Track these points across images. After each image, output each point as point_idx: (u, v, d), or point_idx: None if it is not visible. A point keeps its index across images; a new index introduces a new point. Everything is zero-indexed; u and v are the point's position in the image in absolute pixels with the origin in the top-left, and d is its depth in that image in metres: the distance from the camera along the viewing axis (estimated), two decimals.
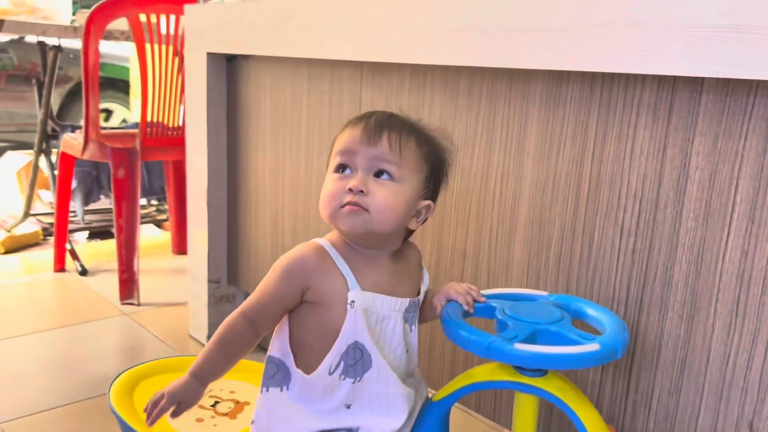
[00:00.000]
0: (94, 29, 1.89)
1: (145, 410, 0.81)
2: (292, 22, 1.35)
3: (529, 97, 1.03)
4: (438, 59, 1.07)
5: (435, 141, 0.87)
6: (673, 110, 0.87)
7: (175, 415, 0.81)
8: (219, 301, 1.78)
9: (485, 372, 0.87)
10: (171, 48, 2.08)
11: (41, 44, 2.43)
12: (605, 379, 0.99)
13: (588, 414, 0.81)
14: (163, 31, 2.02)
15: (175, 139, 2.15)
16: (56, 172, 2.33)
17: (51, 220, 2.54)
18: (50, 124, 2.53)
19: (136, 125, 2.50)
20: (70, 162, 2.21)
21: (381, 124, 0.81)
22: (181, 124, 2.16)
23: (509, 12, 0.95)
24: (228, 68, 1.65)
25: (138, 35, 1.96)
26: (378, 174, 0.80)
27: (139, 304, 2.04)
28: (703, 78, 0.82)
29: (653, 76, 0.87)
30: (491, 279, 1.13)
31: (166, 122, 2.15)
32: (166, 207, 2.81)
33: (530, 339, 0.79)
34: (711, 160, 0.83)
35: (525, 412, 0.86)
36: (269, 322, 0.83)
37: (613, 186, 0.94)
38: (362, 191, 0.78)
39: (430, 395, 0.94)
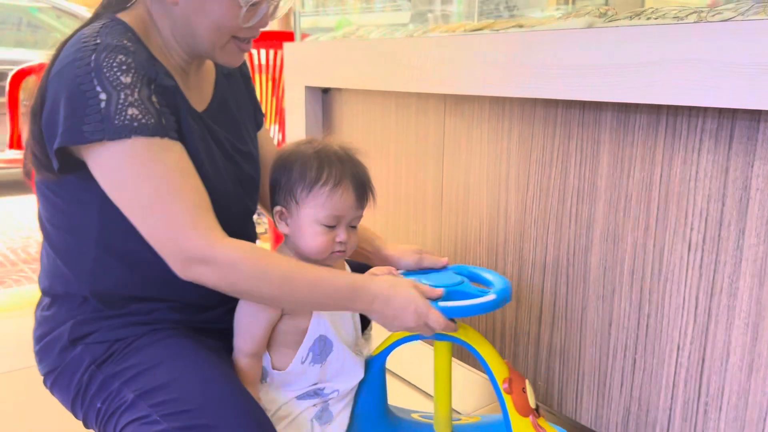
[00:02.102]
0: None
1: None
2: (382, 61, 1.50)
3: (601, 124, 1.13)
4: (515, 92, 1.19)
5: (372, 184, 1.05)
6: (733, 137, 0.95)
7: None
8: None
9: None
10: (266, 75, 2.29)
11: None
12: (678, 381, 1.08)
13: (487, 351, 1.04)
14: (259, 60, 2.24)
15: None
16: None
17: None
18: None
19: None
20: None
21: (365, 188, 1.00)
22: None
23: (580, 51, 1.06)
24: (323, 99, 1.82)
25: None
26: (353, 225, 1.01)
27: None
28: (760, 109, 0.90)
29: (714, 107, 0.96)
30: (570, 291, 1.23)
31: None
32: (265, 220, 3.04)
33: (446, 298, 0.98)
34: None
35: (441, 356, 1.09)
36: (264, 345, 0.99)
37: (680, 205, 1.03)
38: (346, 242, 0.99)
39: None
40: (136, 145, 0.82)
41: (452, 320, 0.96)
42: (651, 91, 0.97)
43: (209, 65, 1.07)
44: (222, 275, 0.85)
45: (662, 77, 0.95)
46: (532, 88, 1.16)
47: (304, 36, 1.94)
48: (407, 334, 1.08)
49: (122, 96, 0.82)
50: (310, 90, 1.80)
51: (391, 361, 1.14)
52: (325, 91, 1.81)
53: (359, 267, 1.13)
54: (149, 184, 0.83)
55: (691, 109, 1.00)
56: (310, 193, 0.96)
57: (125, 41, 0.87)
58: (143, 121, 0.83)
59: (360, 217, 1.02)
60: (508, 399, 1.01)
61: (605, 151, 1.13)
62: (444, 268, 1.11)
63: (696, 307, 1.03)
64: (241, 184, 1.04)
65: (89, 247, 0.93)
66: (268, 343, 0.99)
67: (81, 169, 0.87)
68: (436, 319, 0.92)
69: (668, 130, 1.03)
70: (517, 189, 1.30)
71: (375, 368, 1.09)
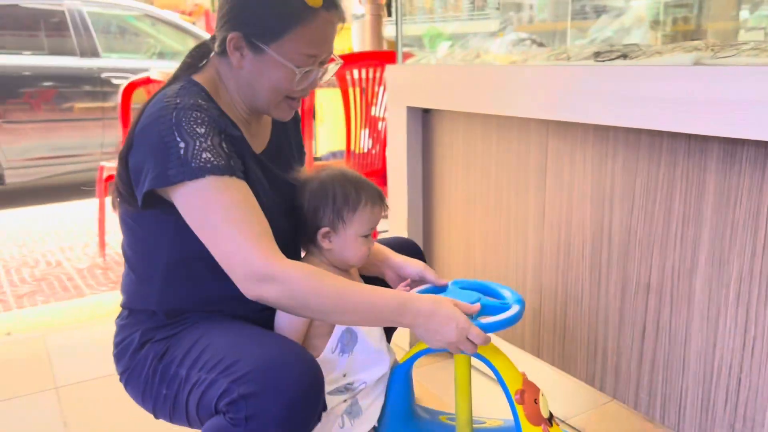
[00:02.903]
0: None
1: None
2: (484, 85, 1.59)
3: (707, 153, 1.19)
4: (620, 122, 1.26)
5: None
6: None
7: None
8: None
9: None
10: (360, 90, 2.41)
11: None
12: None
13: (501, 363, 1.10)
14: (352, 76, 2.37)
15: (370, 173, 2.48)
16: None
17: None
18: None
19: (332, 155, 2.89)
20: None
21: (384, 201, 1.19)
22: (365, 150, 2.50)
23: (688, 86, 1.12)
24: (424, 118, 1.92)
25: (343, 85, 2.31)
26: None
27: None
28: None
29: None
30: (674, 310, 1.29)
31: (357, 150, 2.49)
32: None
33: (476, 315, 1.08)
34: None
35: (462, 367, 1.17)
36: (302, 339, 1.15)
37: None
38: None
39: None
40: (210, 182, 0.99)
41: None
42: (759, 129, 1.02)
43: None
44: (282, 291, 0.97)
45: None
46: (637, 118, 1.22)
47: (406, 56, 2.04)
48: None
49: (198, 143, 0.99)
50: (411, 110, 1.90)
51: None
52: (426, 111, 1.91)
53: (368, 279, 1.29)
54: (220, 214, 0.99)
55: None
56: (355, 213, 1.15)
57: (200, 100, 1.05)
58: (215, 162, 0.99)
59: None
60: (519, 409, 1.07)
61: (711, 180, 1.19)
62: (445, 286, 1.20)
63: None
64: (290, 214, 1.20)
65: (159, 269, 1.11)
66: (305, 339, 1.15)
67: (159, 206, 1.04)
68: (477, 334, 1.01)
69: None
70: (621, 210, 1.37)
71: (401, 373, 1.21)
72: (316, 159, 3.03)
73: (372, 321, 1.06)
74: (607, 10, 2.63)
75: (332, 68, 1.16)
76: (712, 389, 1.25)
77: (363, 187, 1.17)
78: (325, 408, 1.01)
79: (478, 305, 1.07)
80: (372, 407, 1.18)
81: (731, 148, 1.15)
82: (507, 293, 1.17)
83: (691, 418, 1.29)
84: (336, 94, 2.43)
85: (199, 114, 1.02)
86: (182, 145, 0.99)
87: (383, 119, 2.50)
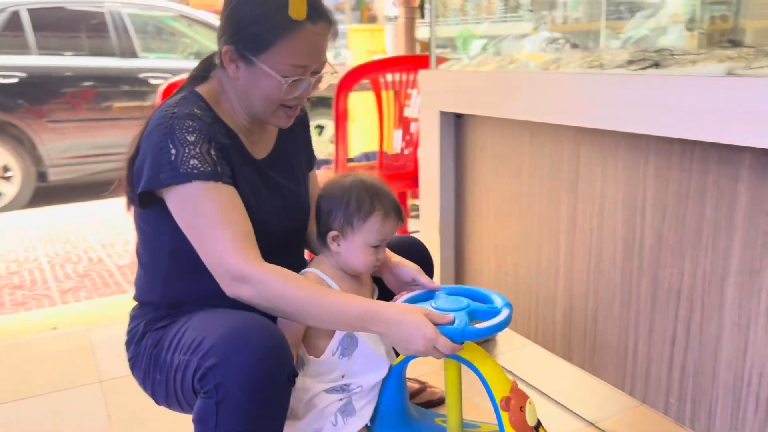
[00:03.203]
0: (344, 88, 2.31)
1: None
2: (518, 91, 1.61)
3: (739, 163, 1.20)
4: (652, 130, 1.27)
5: None
6: None
7: None
8: None
9: None
10: (393, 92, 2.45)
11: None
12: None
13: (488, 370, 1.09)
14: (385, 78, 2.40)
15: (402, 175, 2.52)
16: None
17: None
18: None
19: (364, 156, 2.93)
20: None
21: (400, 214, 1.21)
22: (398, 151, 2.54)
23: (721, 96, 1.13)
24: (456, 123, 1.95)
25: (376, 89, 2.36)
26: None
27: None
28: None
29: None
30: (705, 318, 1.30)
31: (388, 151, 2.53)
32: None
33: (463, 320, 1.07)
34: None
35: (451, 372, 1.17)
36: (300, 338, 1.21)
37: None
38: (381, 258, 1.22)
39: None
40: (196, 187, 1.07)
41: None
42: None
43: None
44: (255, 292, 1.04)
45: None
46: (670, 127, 1.23)
47: (439, 60, 2.07)
48: None
49: (187, 150, 1.08)
50: (444, 115, 1.93)
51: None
52: (459, 115, 1.94)
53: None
54: (203, 217, 1.08)
55: None
56: (365, 222, 1.18)
57: (196, 110, 1.13)
58: (202, 169, 1.08)
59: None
60: (504, 416, 1.07)
61: (743, 188, 1.20)
62: (435, 291, 1.21)
63: None
64: (287, 217, 1.26)
65: (162, 264, 1.21)
66: (304, 336, 1.20)
67: (158, 205, 1.13)
68: (444, 344, 1.03)
69: None
70: (653, 217, 1.38)
71: (396, 373, 1.22)
72: (349, 160, 3.08)
73: (342, 327, 1.14)
74: (642, 8, 2.61)
75: (328, 77, 1.20)
76: (742, 396, 1.26)
77: (379, 197, 1.19)
78: (296, 374, 1.06)
79: (451, 316, 1.08)
80: (366, 408, 1.21)
81: (764, 158, 1.15)
82: (497, 299, 1.17)
83: (721, 424, 1.30)
84: (369, 96, 2.47)
85: (191, 123, 1.10)
86: (173, 151, 1.08)
87: (415, 120, 2.53)
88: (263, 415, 1.01)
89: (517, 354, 2.01)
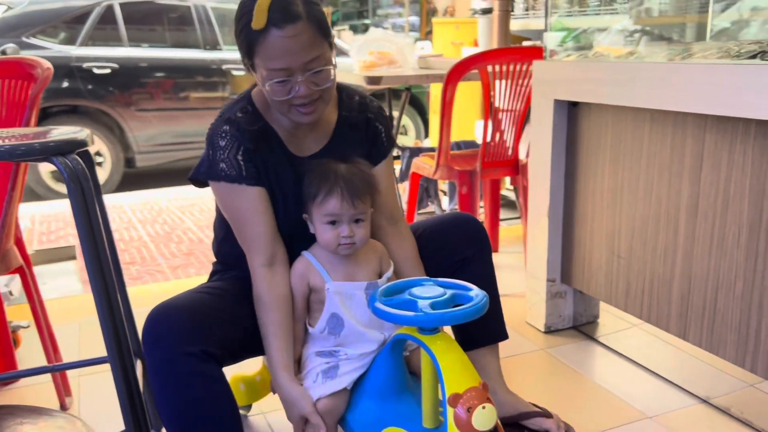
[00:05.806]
0: (452, 79, 2.42)
1: None
2: (637, 80, 1.69)
3: None
4: None
5: (373, 183, 1.32)
6: None
7: None
8: (553, 297, 2.19)
9: (404, 330, 1.18)
10: (510, 83, 2.52)
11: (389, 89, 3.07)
12: None
13: (449, 363, 1.09)
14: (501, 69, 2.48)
15: (505, 162, 2.62)
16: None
17: None
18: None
19: (466, 144, 3.04)
20: (417, 180, 2.81)
21: (356, 192, 1.25)
22: (509, 144, 2.62)
23: None
24: (570, 111, 2.04)
25: (485, 79, 2.45)
26: (356, 221, 1.27)
27: None
28: None
29: None
30: (749, 308, 1.36)
31: (491, 142, 2.62)
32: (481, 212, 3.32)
33: (444, 305, 1.11)
34: None
35: (426, 358, 1.16)
36: (303, 309, 1.35)
37: None
38: (351, 236, 1.26)
39: None
40: (223, 186, 1.29)
41: (436, 329, 1.12)
42: None
43: (328, 120, 1.38)
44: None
45: None
46: None
47: (551, 54, 2.16)
48: (412, 330, 1.16)
49: (218, 154, 1.27)
50: (558, 103, 2.02)
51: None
52: (573, 104, 2.02)
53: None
54: (230, 212, 1.32)
55: None
56: (313, 202, 1.27)
57: (237, 113, 1.29)
58: (228, 172, 1.27)
59: (363, 213, 1.28)
60: (450, 412, 1.07)
61: None
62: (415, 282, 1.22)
63: None
64: None
65: (221, 228, 1.43)
66: (308, 306, 1.34)
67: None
68: (316, 423, 1.22)
69: None
70: None
71: (385, 350, 1.25)
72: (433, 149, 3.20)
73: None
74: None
75: (327, 73, 1.23)
76: None
77: (328, 178, 1.25)
78: (207, 352, 1.20)
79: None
80: (348, 374, 1.27)
81: None
82: (474, 288, 1.17)
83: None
84: (462, 86, 2.55)
85: (227, 128, 1.27)
86: (210, 152, 1.28)
87: (513, 111, 2.61)
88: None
89: (623, 334, 2.09)
